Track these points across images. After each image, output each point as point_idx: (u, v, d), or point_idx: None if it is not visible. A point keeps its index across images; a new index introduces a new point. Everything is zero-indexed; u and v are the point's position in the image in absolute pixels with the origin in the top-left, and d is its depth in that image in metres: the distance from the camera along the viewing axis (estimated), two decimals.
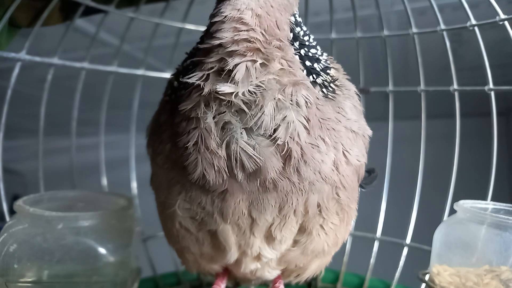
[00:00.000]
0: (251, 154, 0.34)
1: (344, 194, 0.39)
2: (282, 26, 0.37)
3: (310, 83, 0.37)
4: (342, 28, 0.70)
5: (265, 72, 0.34)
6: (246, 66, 0.33)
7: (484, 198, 0.51)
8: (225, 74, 0.34)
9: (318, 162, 0.36)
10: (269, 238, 0.40)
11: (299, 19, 0.41)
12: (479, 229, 0.44)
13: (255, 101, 0.33)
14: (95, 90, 0.66)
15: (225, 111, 0.34)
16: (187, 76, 0.35)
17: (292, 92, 0.34)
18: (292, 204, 0.37)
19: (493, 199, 0.50)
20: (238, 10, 0.34)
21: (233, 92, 0.33)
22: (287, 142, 0.34)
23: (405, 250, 0.58)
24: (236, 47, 0.34)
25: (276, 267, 0.44)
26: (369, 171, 0.47)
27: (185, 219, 0.40)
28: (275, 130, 0.34)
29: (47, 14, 0.55)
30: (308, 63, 0.38)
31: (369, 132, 0.43)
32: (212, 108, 0.34)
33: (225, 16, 0.34)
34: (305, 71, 0.37)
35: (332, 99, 0.39)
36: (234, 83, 0.33)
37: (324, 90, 0.38)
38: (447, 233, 0.47)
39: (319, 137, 0.36)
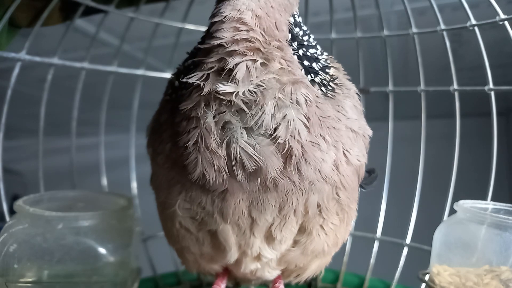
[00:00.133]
0: (251, 154, 0.34)
1: (344, 194, 0.39)
2: (281, 27, 0.37)
3: (309, 82, 0.37)
4: (342, 28, 0.70)
5: (266, 71, 0.34)
6: (247, 66, 0.33)
7: (484, 198, 0.51)
8: (225, 74, 0.34)
9: (318, 161, 0.36)
10: (269, 238, 0.40)
11: (299, 19, 0.41)
12: (479, 229, 0.44)
13: (255, 100, 0.33)
14: (95, 90, 0.66)
15: (225, 111, 0.34)
16: (187, 76, 0.35)
17: (291, 90, 0.34)
18: (292, 204, 0.37)
19: (493, 199, 0.50)
20: (238, 10, 0.35)
21: (233, 92, 0.33)
22: (288, 140, 0.34)
23: (405, 250, 0.58)
24: (236, 46, 0.34)
25: (276, 267, 0.44)
26: (370, 172, 0.47)
27: (185, 219, 0.40)
28: (275, 129, 0.34)
29: (47, 14, 0.55)
30: (306, 62, 0.38)
31: (370, 132, 0.43)
32: (212, 107, 0.34)
33: (225, 16, 0.34)
34: (303, 70, 0.37)
35: (332, 98, 0.39)
36: (235, 82, 0.33)
37: (323, 88, 0.38)
38: (447, 233, 0.47)
39: (319, 135, 0.36)
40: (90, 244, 0.46)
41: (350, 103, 0.40)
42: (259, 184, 0.35)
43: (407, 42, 0.78)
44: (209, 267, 0.46)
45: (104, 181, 0.66)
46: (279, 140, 0.34)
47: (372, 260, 0.60)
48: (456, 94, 0.56)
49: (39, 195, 0.53)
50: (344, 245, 0.50)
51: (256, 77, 0.33)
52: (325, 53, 0.43)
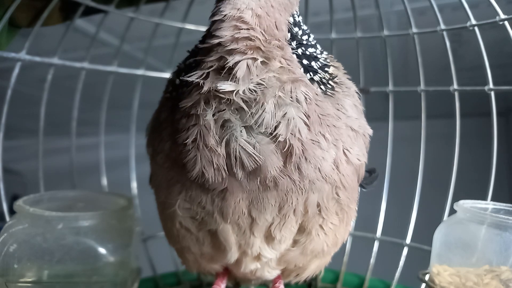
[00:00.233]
0: (251, 153, 0.34)
1: (344, 194, 0.39)
2: (281, 26, 0.37)
3: (308, 80, 0.37)
4: (342, 28, 0.70)
5: (266, 70, 0.34)
6: (247, 64, 0.33)
7: (484, 198, 0.51)
8: (225, 73, 0.34)
9: (319, 159, 0.36)
10: (269, 238, 0.40)
11: (299, 19, 0.41)
12: (479, 229, 0.44)
13: (255, 99, 0.33)
14: (95, 90, 0.66)
15: (225, 109, 0.34)
16: (188, 75, 0.35)
17: (291, 89, 0.34)
18: (292, 203, 0.37)
19: (493, 199, 0.50)
20: (238, 9, 0.35)
21: (233, 90, 0.33)
22: (288, 138, 0.34)
23: (405, 250, 0.58)
24: (236, 45, 0.34)
25: (276, 267, 0.44)
26: (370, 171, 0.47)
27: (185, 219, 0.40)
28: (276, 127, 0.34)
29: (47, 14, 0.55)
30: (305, 61, 0.38)
31: (370, 131, 0.42)
32: (212, 105, 0.34)
33: (225, 15, 0.34)
34: (302, 69, 0.37)
35: (331, 96, 0.39)
36: (235, 81, 0.33)
37: (322, 87, 0.38)
38: (447, 233, 0.47)
39: (319, 133, 0.36)
40: (90, 244, 0.46)
41: (350, 101, 0.40)
42: (259, 183, 0.35)
43: (407, 42, 0.78)
44: (209, 267, 0.46)
45: (104, 181, 0.66)
46: (279, 138, 0.34)
47: (372, 260, 0.60)
48: (456, 94, 0.56)
49: (39, 195, 0.53)
50: (344, 245, 0.50)
51: (257, 75, 0.33)
52: (324, 52, 0.43)
